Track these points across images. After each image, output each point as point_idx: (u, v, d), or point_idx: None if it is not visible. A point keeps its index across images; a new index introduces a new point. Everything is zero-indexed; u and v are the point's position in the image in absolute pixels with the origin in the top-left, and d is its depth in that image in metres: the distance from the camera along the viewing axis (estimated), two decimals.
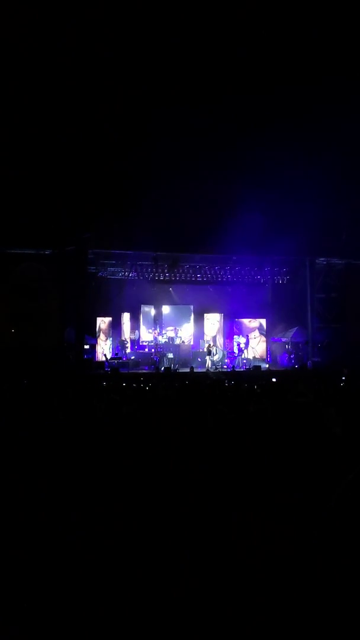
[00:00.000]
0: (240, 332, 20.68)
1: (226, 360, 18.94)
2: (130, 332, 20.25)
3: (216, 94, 12.07)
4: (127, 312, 20.05)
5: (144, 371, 16.87)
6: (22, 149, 12.32)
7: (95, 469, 4.04)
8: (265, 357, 19.69)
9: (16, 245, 15.62)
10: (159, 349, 18.84)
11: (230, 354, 19.55)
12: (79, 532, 2.99)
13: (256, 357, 19.85)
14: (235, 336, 20.62)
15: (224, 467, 4.01)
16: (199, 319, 20.48)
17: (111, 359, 18.27)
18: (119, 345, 19.45)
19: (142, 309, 20.37)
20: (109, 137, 12.31)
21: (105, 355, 18.48)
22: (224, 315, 20.73)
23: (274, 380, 12.07)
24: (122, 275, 18.57)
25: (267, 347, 19.97)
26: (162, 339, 19.67)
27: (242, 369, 17.29)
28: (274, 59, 11.33)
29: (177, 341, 19.76)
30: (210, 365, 17.88)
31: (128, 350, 19.63)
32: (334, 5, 10.22)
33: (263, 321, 20.22)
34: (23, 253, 16.43)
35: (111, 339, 19.45)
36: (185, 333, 20.43)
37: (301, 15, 10.46)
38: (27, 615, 2.30)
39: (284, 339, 19.63)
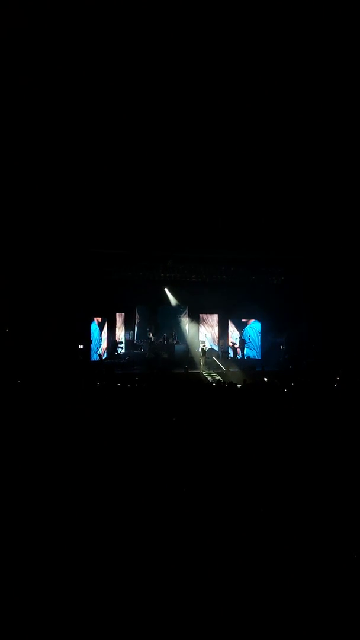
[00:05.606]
0: (235, 333, 20.73)
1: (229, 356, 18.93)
2: (125, 333, 20.22)
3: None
4: (122, 312, 20.02)
5: (139, 371, 16.82)
6: (24, 150, 12.19)
7: (93, 466, 4.04)
8: (259, 357, 19.73)
9: (15, 247, 15.52)
10: (154, 350, 18.82)
11: (224, 354, 19.57)
12: (81, 527, 2.99)
13: (250, 357, 19.90)
14: (230, 337, 20.65)
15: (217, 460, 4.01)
16: (195, 320, 20.48)
17: (106, 359, 18.24)
18: (113, 346, 19.42)
19: (137, 309, 20.35)
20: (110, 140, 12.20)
21: (100, 355, 18.45)
22: (219, 316, 20.74)
23: (265, 380, 12.12)
24: (117, 276, 18.53)
25: (261, 348, 20.03)
26: (157, 340, 19.66)
27: (236, 370, 17.30)
28: None
29: (172, 341, 19.74)
30: (204, 365, 17.91)
31: (123, 351, 19.60)
32: None
33: (258, 322, 20.28)
34: (22, 254, 16.31)
35: (106, 339, 19.42)
36: (180, 334, 20.42)
37: None
38: (29, 612, 2.30)
39: (278, 340, 19.68)
